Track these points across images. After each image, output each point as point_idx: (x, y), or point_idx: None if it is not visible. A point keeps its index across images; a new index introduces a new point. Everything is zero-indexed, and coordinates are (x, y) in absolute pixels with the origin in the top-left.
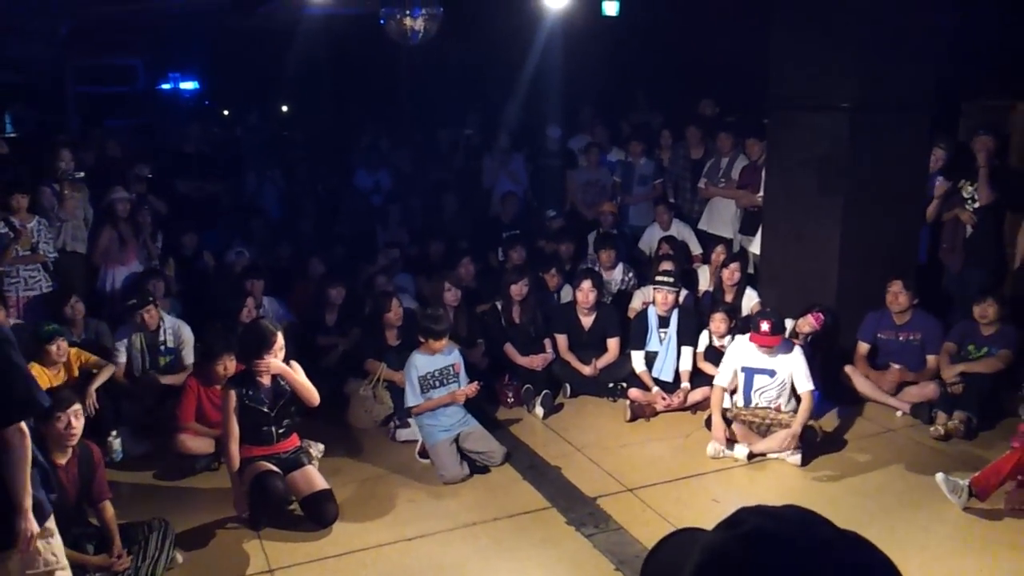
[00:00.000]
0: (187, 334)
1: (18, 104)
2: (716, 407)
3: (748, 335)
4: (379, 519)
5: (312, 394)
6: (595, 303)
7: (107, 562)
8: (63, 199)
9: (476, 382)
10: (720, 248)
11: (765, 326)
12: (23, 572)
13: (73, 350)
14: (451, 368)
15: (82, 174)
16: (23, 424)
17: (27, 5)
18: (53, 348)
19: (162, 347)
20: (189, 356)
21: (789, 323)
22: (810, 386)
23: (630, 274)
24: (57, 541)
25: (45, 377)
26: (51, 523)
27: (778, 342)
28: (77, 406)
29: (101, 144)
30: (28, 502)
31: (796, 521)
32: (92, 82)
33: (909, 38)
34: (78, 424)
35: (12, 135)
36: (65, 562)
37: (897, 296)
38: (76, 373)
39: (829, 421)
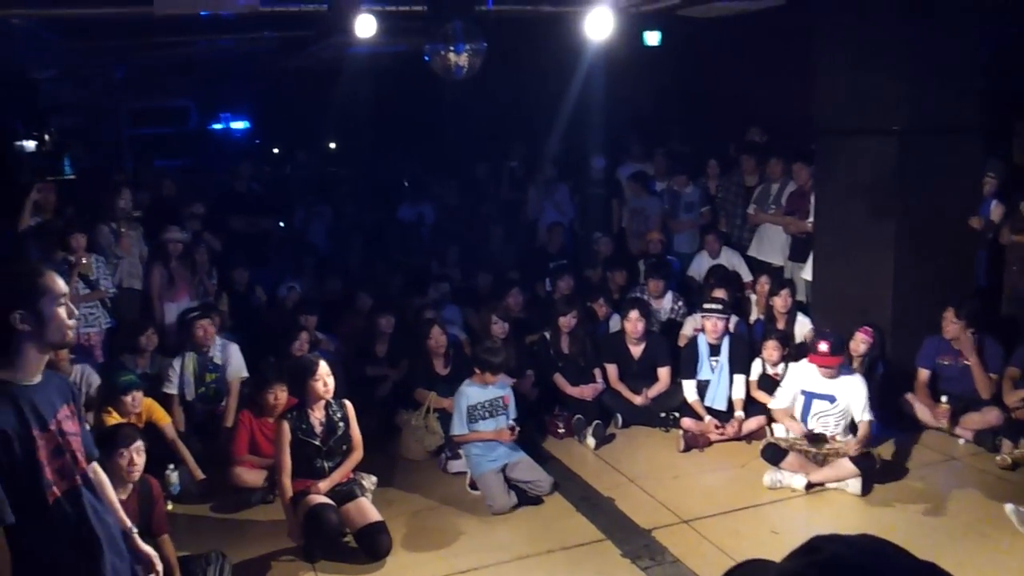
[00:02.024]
0: (234, 352)
1: (76, 147)
2: (780, 416)
3: (808, 356)
4: (432, 551)
5: (358, 459)
6: (644, 332)
7: None
8: (120, 237)
9: (515, 426)
10: (764, 278)
11: (823, 346)
12: None
13: (147, 401)
14: (500, 400)
15: (139, 213)
16: None
17: (83, 52)
18: (128, 399)
19: (210, 364)
20: (235, 374)
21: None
22: (868, 416)
23: (679, 302)
24: None
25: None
26: None
27: (838, 362)
28: (139, 443)
29: (156, 184)
30: None
31: (873, 551)
32: (146, 124)
33: (958, 59)
34: (140, 460)
35: (70, 176)
36: None
37: (950, 324)
38: (142, 424)
39: (889, 449)
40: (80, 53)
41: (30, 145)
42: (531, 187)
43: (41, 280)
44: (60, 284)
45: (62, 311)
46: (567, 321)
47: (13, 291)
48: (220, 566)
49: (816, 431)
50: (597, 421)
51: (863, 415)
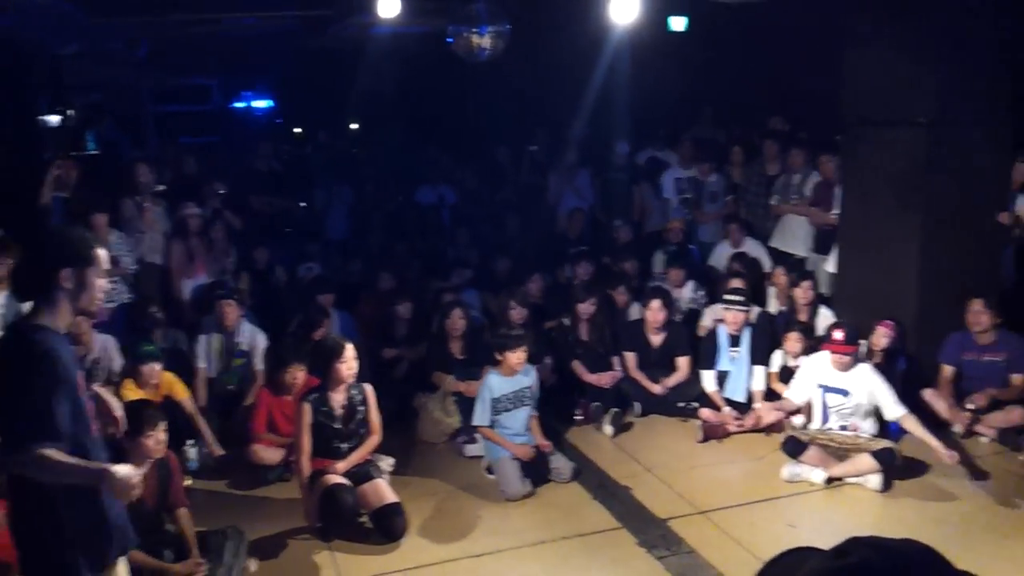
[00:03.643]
0: (261, 341)
1: (101, 123)
2: (785, 405)
3: (822, 346)
4: (447, 534)
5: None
6: (665, 321)
7: (186, 569)
8: (144, 212)
9: (536, 446)
10: (780, 270)
11: (838, 334)
12: None
13: (167, 376)
14: (527, 390)
15: (163, 187)
16: (36, 451)
17: (108, 29)
18: (145, 369)
19: (236, 350)
20: (260, 363)
21: (862, 344)
22: (903, 410)
23: (700, 292)
24: None
25: (135, 396)
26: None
27: (852, 350)
28: (163, 423)
29: (177, 161)
30: (95, 470)
31: (906, 559)
32: (168, 101)
33: (988, 51)
34: (164, 439)
35: (93, 152)
36: None
37: (979, 316)
38: (160, 398)
39: (910, 445)
40: (102, 29)
41: (53, 120)
42: (552, 172)
43: (92, 251)
44: (105, 259)
45: (100, 283)
46: (586, 308)
47: (67, 251)
48: (237, 542)
49: (839, 425)
50: (615, 409)
51: (897, 410)
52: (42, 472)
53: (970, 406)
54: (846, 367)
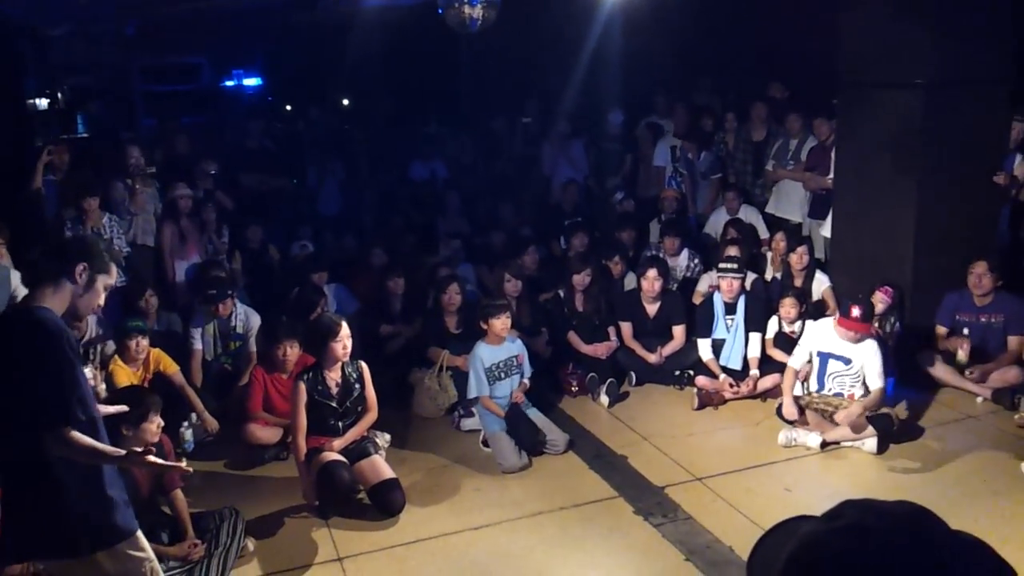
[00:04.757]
0: (255, 321)
1: (91, 105)
2: (787, 389)
3: (836, 318)
4: (445, 508)
5: (372, 420)
6: (660, 290)
7: (183, 552)
8: (134, 193)
9: (524, 382)
10: (780, 235)
11: (856, 311)
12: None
13: (155, 351)
14: (515, 359)
15: (153, 169)
16: (66, 432)
17: (94, 8)
18: (132, 344)
19: (232, 332)
20: (255, 343)
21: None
22: (880, 383)
23: (696, 260)
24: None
25: (124, 373)
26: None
27: (866, 330)
28: (160, 407)
29: (169, 141)
30: (122, 454)
31: (900, 519)
32: (158, 81)
33: (986, 10)
34: (161, 423)
35: (83, 135)
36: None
37: (981, 278)
38: (150, 375)
39: (905, 408)
40: (91, 8)
41: (42, 103)
42: (545, 143)
43: (110, 265)
44: (115, 277)
45: (101, 295)
46: (581, 279)
47: (90, 251)
48: (233, 522)
49: (833, 391)
50: (611, 379)
51: (876, 382)
52: (74, 454)
53: (969, 373)
54: (855, 340)
